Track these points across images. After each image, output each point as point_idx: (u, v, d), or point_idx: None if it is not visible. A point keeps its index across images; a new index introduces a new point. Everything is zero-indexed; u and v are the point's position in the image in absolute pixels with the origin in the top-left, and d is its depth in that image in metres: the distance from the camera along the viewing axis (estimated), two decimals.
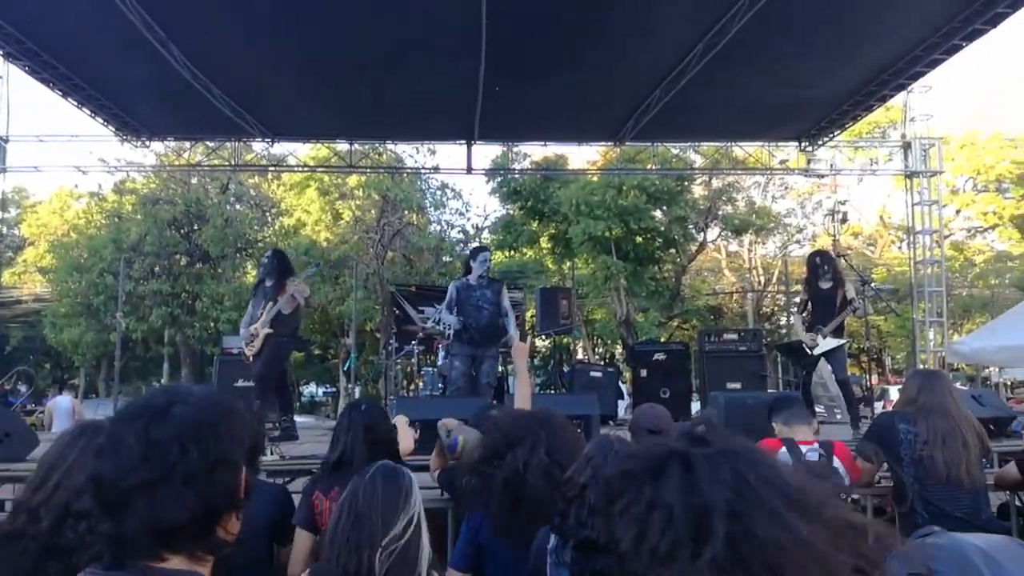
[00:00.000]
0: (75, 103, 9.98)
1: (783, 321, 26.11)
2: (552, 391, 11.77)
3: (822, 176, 14.36)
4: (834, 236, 23.50)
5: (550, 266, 24.81)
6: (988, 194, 26.64)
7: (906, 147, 12.33)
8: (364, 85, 9.49)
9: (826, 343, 7.18)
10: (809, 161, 12.48)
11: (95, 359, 23.38)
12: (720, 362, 9.63)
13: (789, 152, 12.89)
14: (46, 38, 8.32)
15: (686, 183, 21.40)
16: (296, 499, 3.46)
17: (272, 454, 5.21)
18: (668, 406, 5.06)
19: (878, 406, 12.20)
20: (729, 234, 26.45)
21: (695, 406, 10.35)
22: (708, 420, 4.01)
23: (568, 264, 21.81)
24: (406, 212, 23.14)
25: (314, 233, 23.41)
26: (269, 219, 24.71)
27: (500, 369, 9.86)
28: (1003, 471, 4.15)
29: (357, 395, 19.28)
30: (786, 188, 27.67)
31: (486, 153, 21.15)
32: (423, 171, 21.43)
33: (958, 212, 27.34)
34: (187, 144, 12.99)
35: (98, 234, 22.43)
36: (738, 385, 9.05)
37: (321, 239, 23.13)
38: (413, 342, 10.69)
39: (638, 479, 0.92)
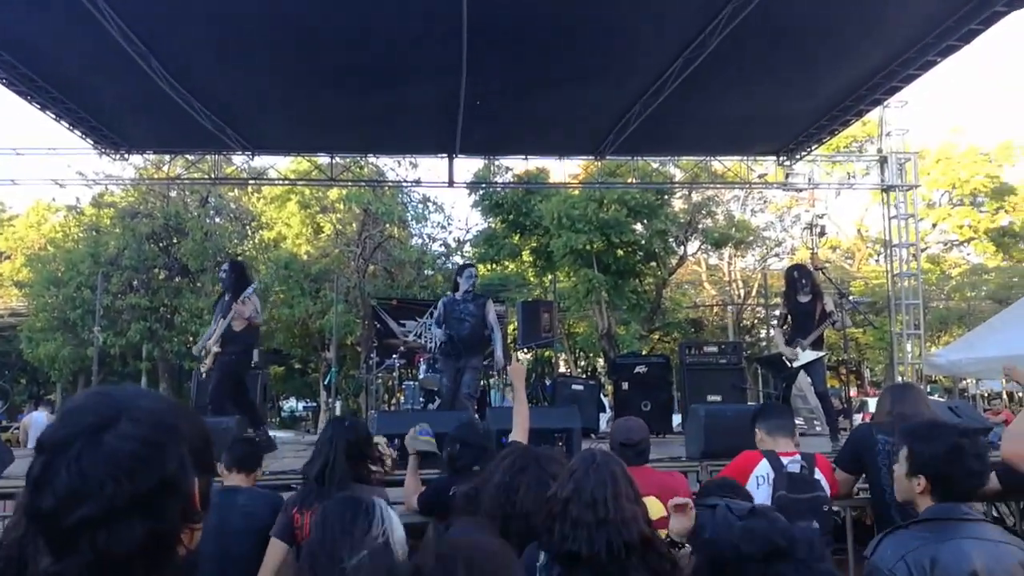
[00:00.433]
0: (53, 116, 9.90)
1: (763, 334, 26.25)
2: (534, 404, 11.77)
3: (800, 190, 14.51)
4: (812, 249, 23.64)
5: (532, 279, 24.85)
6: (964, 208, 27.05)
7: (883, 161, 12.50)
8: (345, 98, 9.49)
9: (805, 356, 7.24)
10: (787, 175, 12.62)
11: (72, 374, 23.05)
12: (701, 375, 9.66)
13: (767, 166, 13.02)
14: (23, 50, 8.25)
15: (666, 197, 21.54)
16: None
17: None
18: (649, 419, 5.10)
19: (857, 418, 12.28)
20: (709, 247, 26.63)
21: (676, 418, 10.38)
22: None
23: (550, 277, 21.87)
24: (387, 225, 23.08)
25: (295, 247, 23.30)
26: (249, 232, 24.55)
27: (483, 383, 9.87)
28: None
29: (338, 409, 19.18)
30: (765, 202, 27.94)
31: (468, 166, 21.18)
32: (405, 184, 21.42)
33: (934, 226, 27.71)
34: (167, 157, 12.92)
35: (76, 248, 22.17)
36: (719, 398, 9.08)
37: (302, 252, 23.03)
38: (394, 356, 10.64)
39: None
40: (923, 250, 19.92)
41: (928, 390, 10.20)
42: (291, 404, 33.26)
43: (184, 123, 9.89)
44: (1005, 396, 24.41)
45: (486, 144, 12.28)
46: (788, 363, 7.40)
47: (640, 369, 9.81)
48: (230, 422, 5.64)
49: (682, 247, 25.37)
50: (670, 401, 10.49)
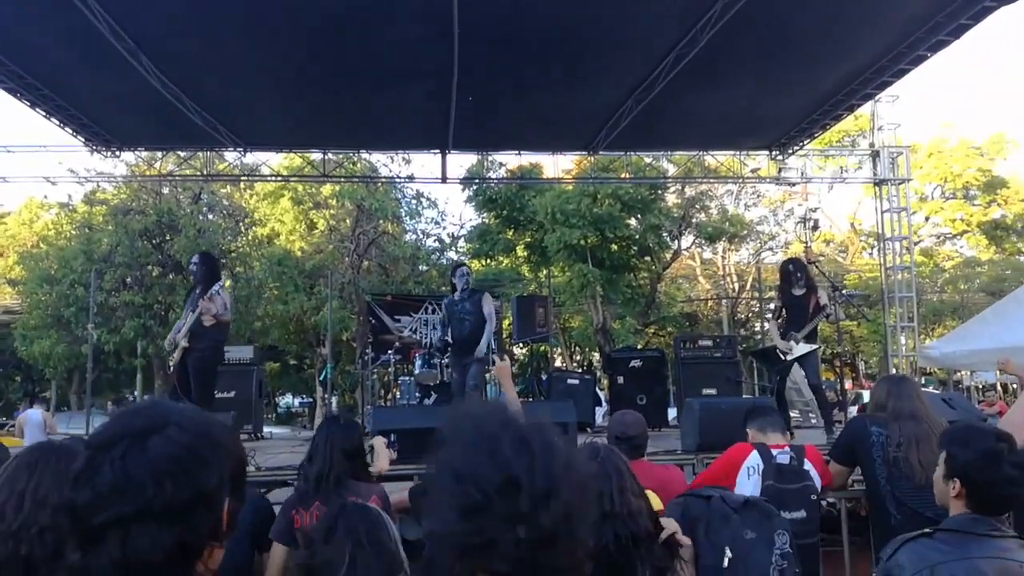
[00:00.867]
0: (43, 113, 9.85)
1: (758, 327, 26.33)
2: (530, 399, 11.78)
3: (793, 184, 14.52)
4: (806, 243, 23.78)
5: (526, 274, 24.87)
6: (956, 201, 27.16)
7: (875, 155, 12.53)
8: (337, 95, 9.46)
9: (799, 348, 7.28)
10: (780, 169, 12.64)
11: (66, 372, 23.02)
12: (696, 368, 9.71)
13: (760, 161, 13.04)
14: (13, 48, 8.20)
15: (660, 192, 21.57)
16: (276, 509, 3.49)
17: (248, 466, 5.17)
18: (645, 412, 5.11)
19: (852, 410, 12.33)
20: (703, 242, 26.71)
21: (671, 412, 10.41)
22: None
23: (544, 272, 21.87)
24: (381, 221, 23.06)
25: (288, 243, 23.25)
26: (242, 229, 24.49)
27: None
28: None
29: (334, 405, 19.18)
30: (758, 196, 28.00)
31: (461, 162, 21.20)
32: (398, 180, 21.41)
33: (927, 219, 27.83)
34: (158, 154, 12.86)
35: (68, 245, 22.09)
36: (713, 391, 9.12)
37: (295, 249, 22.98)
38: (390, 351, 10.64)
39: None
40: (916, 243, 20.00)
41: (923, 382, 10.25)
42: (287, 400, 33.28)
43: (175, 120, 9.84)
44: (999, 388, 24.57)
45: (479, 140, 12.28)
46: (782, 356, 7.44)
47: (635, 363, 9.84)
48: (227, 419, 5.64)
49: (676, 241, 25.42)
50: (665, 395, 10.54)
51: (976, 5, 7.33)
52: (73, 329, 20.14)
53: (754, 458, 3.67)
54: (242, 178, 17.51)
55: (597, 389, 13.30)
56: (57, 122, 10.19)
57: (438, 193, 35.26)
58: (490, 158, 18.81)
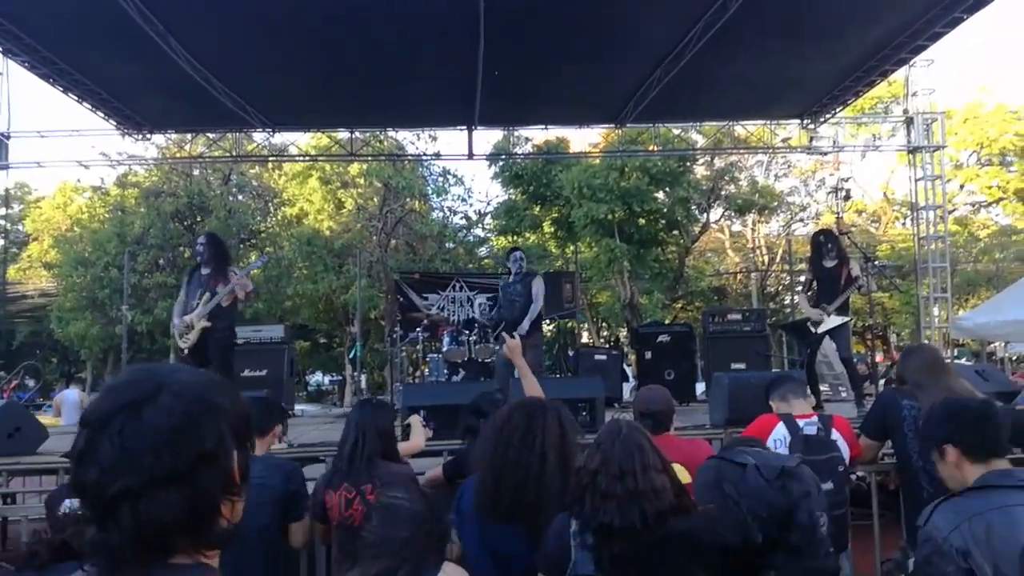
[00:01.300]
0: (75, 98, 9.99)
1: (788, 300, 26.07)
2: (557, 375, 11.81)
3: (824, 153, 14.31)
4: (837, 214, 23.39)
5: (553, 250, 24.79)
6: (992, 167, 26.48)
7: (908, 122, 12.27)
8: (364, 73, 9.46)
9: (830, 321, 7.20)
10: (811, 138, 12.43)
11: (102, 352, 23.45)
12: (724, 343, 9.65)
13: (791, 130, 12.84)
14: (44, 33, 8.32)
15: (688, 164, 21.33)
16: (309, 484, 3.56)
17: (280, 443, 5.26)
18: (673, 387, 5.11)
19: (883, 384, 12.20)
20: (732, 214, 26.39)
21: (700, 387, 10.38)
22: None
23: (571, 248, 21.80)
24: (408, 199, 23.10)
25: (317, 222, 23.40)
26: (271, 209, 24.70)
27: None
28: None
29: (363, 382, 19.37)
30: (789, 166, 27.58)
31: (487, 138, 21.10)
32: (424, 158, 21.40)
33: (962, 187, 27.19)
34: (188, 136, 12.98)
35: (102, 228, 22.44)
36: (742, 365, 9.06)
37: (324, 228, 23.13)
38: (418, 329, 10.68)
39: None
40: (950, 212, 19.58)
41: (955, 354, 10.11)
42: (317, 378, 33.64)
43: (204, 102, 9.94)
44: None
45: (505, 115, 12.23)
46: (813, 328, 7.36)
47: (663, 338, 9.81)
48: (261, 394, 5.71)
49: (705, 214, 25.17)
50: (693, 369, 10.49)
51: None
52: (107, 311, 20.53)
53: (780, 430, 3.65)
54: (270, 159, 17.60)
55: (625, 365, 13.28)
56: (89, 106, 10.34)
57: (464, 170, 35.30)
58: (516, 134, 18.74)
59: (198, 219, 21.74)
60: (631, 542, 2.33)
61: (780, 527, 1.84)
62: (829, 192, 25.30)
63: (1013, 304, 10.32)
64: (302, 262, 21.40)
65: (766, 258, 28.46)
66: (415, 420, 4.46)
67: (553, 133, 18.89)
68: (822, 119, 11.77)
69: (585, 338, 24.52)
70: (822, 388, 9.51)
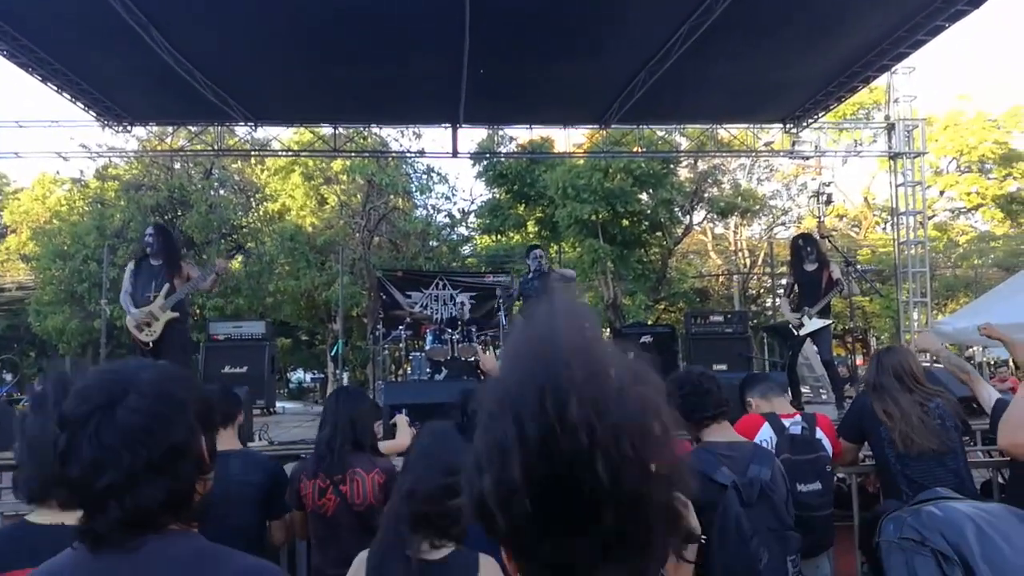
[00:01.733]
0: (54, 88, 9.85)
1: (769, 303, 26.23)
2: None
3: (807, 157, 14.37)
4: (819, 218, 23.59)
5: None
6: (971, 175, 26.80)
7: (890, 128, 12.39)
8: (347, 69, 9.41)
9: (812, 324, 7.25)
10: (794, 143, 12.51)
11: (80, 347, 23.18)
12: (707, 344, 9.71)
13: (774, 134, 12.91)
14: (23, 21, 8.19)
15: (672, 166, 21.40)
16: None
17: (261, 440, 5.22)
18: None
19: (862, 386, 12.28)
20: (715, 216, 26.53)
21: None
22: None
23: (555, 248, 21.81)
24: (392, 197, 23.00)
25: (299, 218, 23.25)
26: (253, 204, 24.51)
27: (488, 350, 9.91)
28: None
29: (345, 380, 19.27)
30: (771, 170, 27.76)
31: (472, 136, 21.09)
32: (408, 155, 21.32)
33: (942, 193, 27.50)
34: (169, 129, 12.86)
35: (81, 221, 22.18)
36: (724, 367, 9.11)
37: (306, 224, 22.99)
38: (401, 327, 10.66)
39: None
40: (930, 218, 19.80)
41: (932, 359, 10.21)
42: (299, 375, 33.47)
43: (186, 94, 9.84)
44: (1011, 363, 24.40)
45: (490, 114, 12.20)
46: (795, 331, 7.41)
47: (646, 339, 9.85)
48: (242, 392, 5.68)
49: (688, 216, 25.28)
50: (676, 371, 10.52)
51: None
52: (86, 304, 20.28)
53: (766, 431, 3.65)
54: (252, 153, 17.49)
55: None
56: (68, 97, 10.20)
57: (449, 168, 35.11)
58: (501, 132, 18.71)
59: (179, 213, 21.55)
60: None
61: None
62: (811, 196, 25.46)
63: (992, 309, 10.41)
64: (284, 258, 21.26)
65: (748, 261, 28.63)
66: (401, 419, 4.45)
67: (538, 133, 18.86)
68: (804, 124, 11.85)
69: None
70: (803, 390, 9.58)
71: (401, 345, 11.26)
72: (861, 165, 32.27)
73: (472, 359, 8.65)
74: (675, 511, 0.79)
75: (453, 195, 28.37)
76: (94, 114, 10.96)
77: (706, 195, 24.80)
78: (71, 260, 20.66)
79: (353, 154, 17.40)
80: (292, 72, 9.63)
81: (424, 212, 25.39)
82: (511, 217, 23.15)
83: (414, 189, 24.60)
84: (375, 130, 16.00)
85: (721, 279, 29.24)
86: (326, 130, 12.97)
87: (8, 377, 22.31)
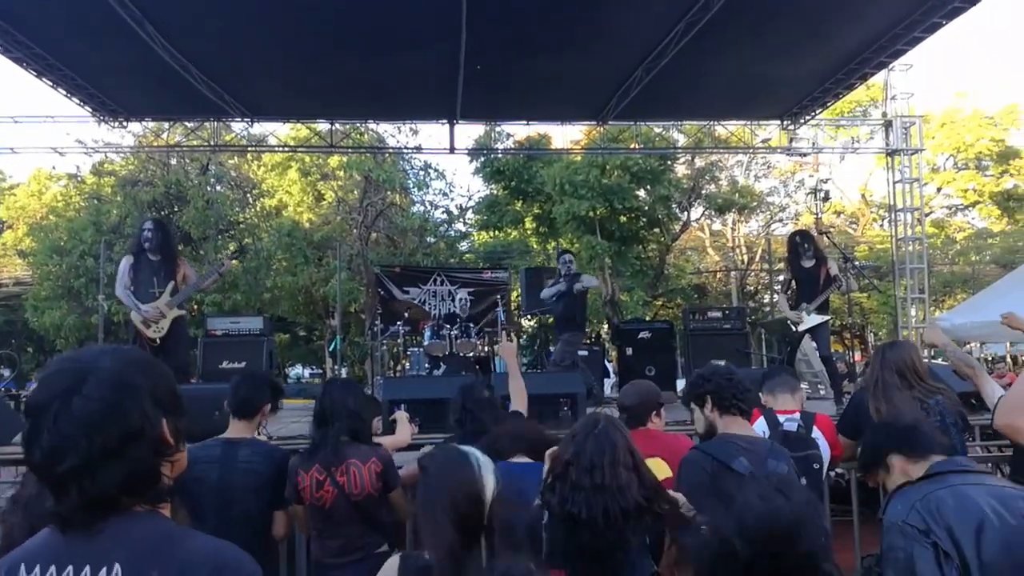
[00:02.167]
0: (50, 83, 9.81)
1: (767, 299, 26.26)
2: (538, 370, 11.82)
3: (804, 154, 14.39)
4: (816, 214, 23.64)
5: (535, 246, 24.78)
6: (968, 172, 26.85)
7: (887, 125, 12.40)
8: (344, 64, 9.38)
9: (810, 320, 7.26)
10: (791, 140, 12.51)
11: (78, 342, 23.08)
12: (704, 340, 9.71)
13: (771, 131, 12.91)
14: (18, 16, 8.15)
15: (669, 162, 21.41)
16: None
17: (259, 435, 5.21)
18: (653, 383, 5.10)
19: (861, 382, 12.31)
20: (712, 213, 26.53)
21: (680, 383, 10.42)
22: None
23: (553, 244, 21.81)
24: (389, 193, 22.97)
25: (296, 214, 23.21)
26: (250, 200, 24.46)
27: (486, 349, 9.92)
28: None
29: (343, 376, 19.26)
30: (768, 167, 27.76)
31: (469, 132, 21.03)
32: (405, 151, 21.29)
33: (939, 190, 27.54)
34: (166, 125, 12.82)
35: (78, 216, 22.11)
36: (722, 363, 9.09)
37: (304, 220, 22.96)
38: (399, 323, 10.65)
39: None
40: (927, 214, 19.82)
41: (932, 354, 10.24)
42: (297, 371, 33.45)
43: (182, 90, 9.80)
44: (1009, 360, 24.49)
45: (487, 110, 12.18)
46: (793, 327, 7.42)
47: (644, 335, 9.85)
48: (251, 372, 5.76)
49: (685, 213, 25.28)
50: (673, 366, 10.54)
51: None
52: (83, 300, 20.24)
53: (760, 425, 3.67)
54: (249, 149, 17.45)
55: (606, 361, 13.30)
56: (64, 92, 10.16)
57: (446, 164, 35.16)
58: (498, 129, 18.68)
59: (175, 209, 21.49)
60: (594, 535, 2.37)
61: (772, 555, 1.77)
62: (808, 193, 25.51)
63: (989, 305, 10.47)
64: (281, 254, 21.23)
65: (745, 257, 28.66)
66: (401, 415, 4.46)
67: (535, 129, 18.87)
68: (802, 121, 11.85)
69: None
70: (802, 386, 9.58)
71: (399, 341, 11.25)
72: (858, 162, 32.28)
73: (471, 354, 8.65)
74: None
75: (450, 191, 28.29)
76: (90, 110, 10.92)
77: (703, 191, 24.79)
78: (68, 256, 20.62)
79: (350, 150, 17.38)
80: (289, 68, 9.60)
81: (421, 208, 25.36)
82: (509, 213, 23.13)
83: (411, 185, 24.58)
84: (372, 126, 15.94)
85: (719, 275, 29.26)
86: (323, 126, 12.94)
87: (6, 372, 22.24)
